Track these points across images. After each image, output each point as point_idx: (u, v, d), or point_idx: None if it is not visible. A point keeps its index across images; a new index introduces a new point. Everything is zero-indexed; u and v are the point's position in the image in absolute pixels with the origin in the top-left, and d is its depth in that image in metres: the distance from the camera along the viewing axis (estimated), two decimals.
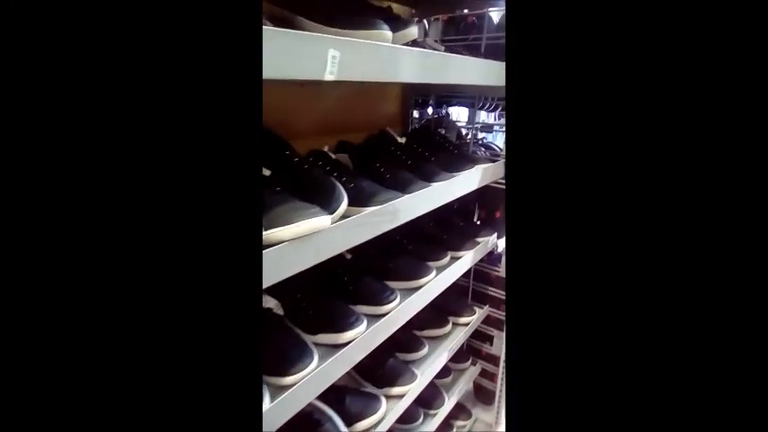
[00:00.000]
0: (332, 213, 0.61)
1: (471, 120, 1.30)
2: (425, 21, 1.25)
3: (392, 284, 0.89)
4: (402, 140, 0.97)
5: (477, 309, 1.29)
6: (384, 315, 0.81)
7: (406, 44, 0.73)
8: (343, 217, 0.67)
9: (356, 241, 0.67)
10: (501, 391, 1.42)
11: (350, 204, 0.69)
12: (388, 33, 0.63)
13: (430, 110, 1.41)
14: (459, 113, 1.52)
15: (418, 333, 1.14)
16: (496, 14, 1.13)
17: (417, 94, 1.32)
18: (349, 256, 0.90)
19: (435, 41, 1.10)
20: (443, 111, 1.55)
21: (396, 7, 1.18)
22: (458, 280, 1.11)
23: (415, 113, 1.41)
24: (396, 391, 0.96)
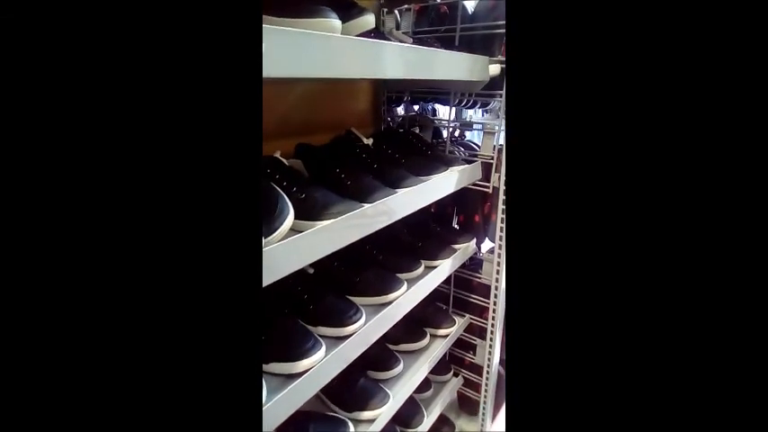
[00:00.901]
0: (271, 233, 0.53)
1: (450, 117, 1.22)
2: (397, 11, 1.16)
3: (359, 301, 0.81)
4: (369, 142, 0.89)
5: (457, 318, 1.22)
6: (348, 337, 0.73)
7: (366, 35, 0.65)
8: (294, 231, 0.59)
9: (306, 261, 0.59)
10: (485, 400, 1.36)
11: (299, 218, 0.61)
12: (336, 22, 0.55)
13: (403, 107, 1.33)
14: (444, 111, 1.44)
15: (393, 348, 1.07)
16: (470, 4, 1.05)
17: (390, 90, 1.24)
18: (311, 270, 0.82)
19: (405, 33, 1.02)
20: (429, 107, 1.46)
21: None
22: (438, 287, 1.04)
23: (400, 110, 1.33)
24: (366, 415, 0.89)
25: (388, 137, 1.02)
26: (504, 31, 0.99)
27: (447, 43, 1.02)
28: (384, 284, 0.84)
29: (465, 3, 1.04)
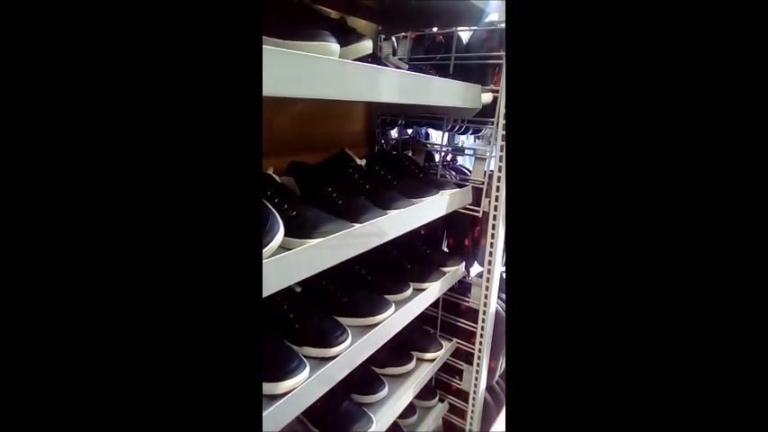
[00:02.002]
0: None
1: (443, 142, 1.25)
2: (394, 38, 1.20)
3: (346, 321, 0.80)
4: (362, 162, 0.90)
5: (444, 342, 1.21)
6: (333, 358, 0.72)
7: (363, 60, 0.67)
8: (284, 248, 0.59)
9: (294, 279, 0.59)
10: (471, 428, 1.33)
11: (289, 235, 0.61)
12: (334, 46, 0.57)
13: (397, 131, 1.35)
14: (437, 136, 1.47)
15: (378, 371, 1.05)
16: (465, 34, 1.09)
17: (384, 113, 1.26)
18: (298, 290, 0.81)
19: (402, 59, 1.05)
20: (422, 131, 1.49)
21: (362, 23, 1.13)
22: (426, 309, 1.03)
23: (394, 133, 1.35)
24: None
25: (381, 158, 1.03)
26: (496, 61, 1.02)
27: (442, 71, 1.05)
28: (372, 305, 0.83)
29: (460, 33, 1.08)
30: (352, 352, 0.74)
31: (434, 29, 1.14)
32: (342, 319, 0.80)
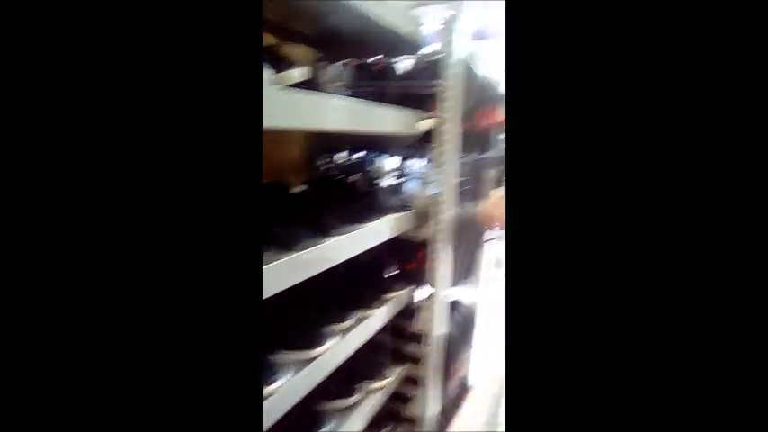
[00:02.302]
0: None
1: (387, 167, 1.25)
2: (333, 65, 1.21)
3: (281, 357, 0.76)
4: (300, 190, 0.88)
5: (393, 369, 1.18)
6: (265, 398, 0.67)
7: (301, 87, 0.66)
8: None
9: None
10: None
11: None
12: (265, 73, 0.55)
13: (341, 156, 1.35)
14: (382, 160, 1.48)
15: (323, 406, 1.00)
16: (407, 63, 1.12)
17: (328, 138, 1.25)
18: None
19: (341, 87, 1.06)
20: (367, 156, 1.50)
21: (301, 50, 1.13)
22: (374, 337, 1.01)
23: (338, 158, 1.34)
24: None
25: (322, 184, 1.02)
26: (434, 91, 1.05)
27: (381, 98, 1.06)
28: (310, 338, 0.80)
29: (400, 62, 1.11)
30: (287, 390, 0.70)
31: (374, 57, 1.16)
32: (277, 356, 0.76)
